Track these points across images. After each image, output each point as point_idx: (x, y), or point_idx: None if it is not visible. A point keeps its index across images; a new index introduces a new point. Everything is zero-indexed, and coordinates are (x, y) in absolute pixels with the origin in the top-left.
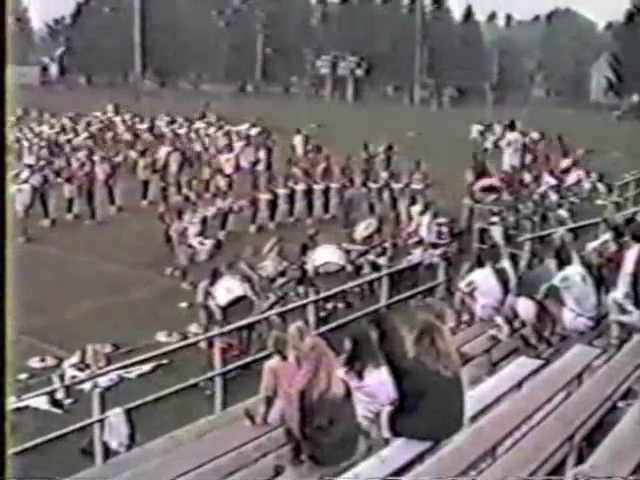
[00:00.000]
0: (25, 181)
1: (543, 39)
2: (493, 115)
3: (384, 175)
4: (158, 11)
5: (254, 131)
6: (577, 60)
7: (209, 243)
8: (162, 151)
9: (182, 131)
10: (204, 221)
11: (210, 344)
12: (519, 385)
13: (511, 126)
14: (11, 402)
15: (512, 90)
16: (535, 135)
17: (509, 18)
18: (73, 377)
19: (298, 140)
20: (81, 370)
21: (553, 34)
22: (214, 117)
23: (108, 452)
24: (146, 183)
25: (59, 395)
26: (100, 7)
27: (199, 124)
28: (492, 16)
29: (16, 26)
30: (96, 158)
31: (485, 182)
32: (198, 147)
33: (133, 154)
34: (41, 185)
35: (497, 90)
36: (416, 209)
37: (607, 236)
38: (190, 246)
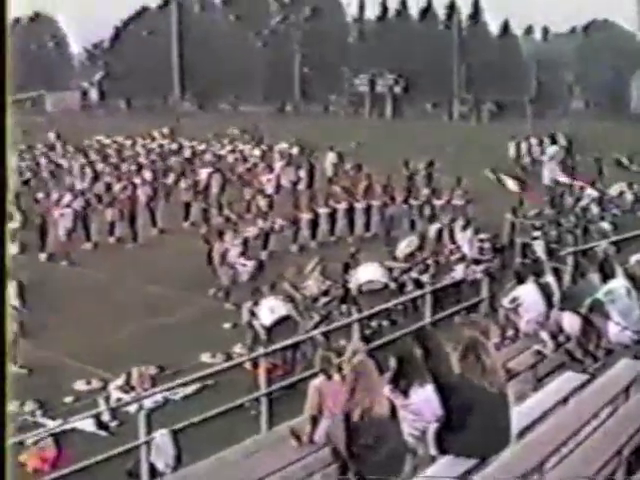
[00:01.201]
0: (67, 205)
1: (581, 51)
2: (533, 129)
3: (425, 192)
4: (195, 33)
5: (295, 150)
6: (616, 71)
7: (251, 264)
8: (203, 173)
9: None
10: (246, 242)
11: (255, 364)
12: (565, 400)
13: (552, 139)
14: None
15: (551, 103)
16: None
17: (546, 31)
18: (118, 399)
19: (331, 157)
20: (126, 392)
21: (591, 45)
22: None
23: (154, 473)
24: (187, 205)
25: (105, 417)
26: (138, 31)
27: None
28: (529, 29)
29: (56, 52)
30: (137, 181)
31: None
32: (241, 168)
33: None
34: (83, 209)
35: (536, 103)
36: (458, 225)
37: None
38: (232, 267)
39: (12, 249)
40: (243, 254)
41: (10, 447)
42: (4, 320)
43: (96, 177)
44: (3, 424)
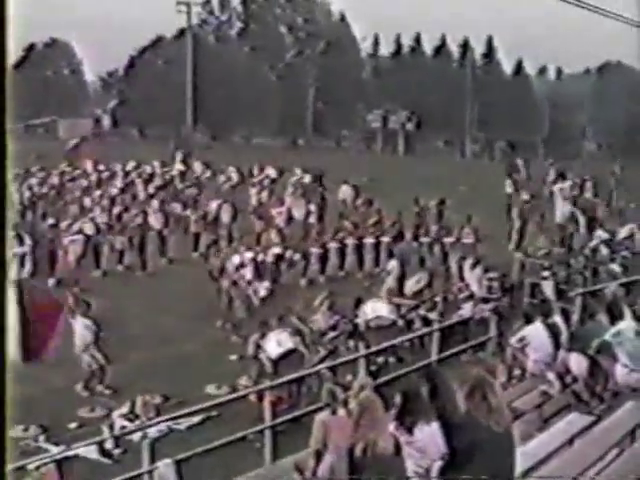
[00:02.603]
0: (78, 232)
1: (594, 92)
2: (544, 169)
3: (434, 229)
4: (210, 64)
5: (307, 178)
6: (629, 112)
7: (259, 296)
8: (213, 204)
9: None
10: (257, 265)
11: (260, 397)
12: (571, 441)
13: (562, 176)
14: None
15: (563, 144)
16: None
17: (560, 71)
18: (123, 427)
19: (344, 190)
20: (131, 421)
21: (604, 87)
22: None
23: None
24: (197, 235)
25: (109, 445)
26: (153, 60)
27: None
28: (543, 69)
29: (71, 78)
30: (150, 210)
31: None
32: (254, 200)
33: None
34: (93, 236)
35: (548, 144)
36: (467, 264)
37: None
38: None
39: (22, 273)
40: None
41: (10, 472)
42: (4, 342)
43: (110, 204)
44: (3, 449)
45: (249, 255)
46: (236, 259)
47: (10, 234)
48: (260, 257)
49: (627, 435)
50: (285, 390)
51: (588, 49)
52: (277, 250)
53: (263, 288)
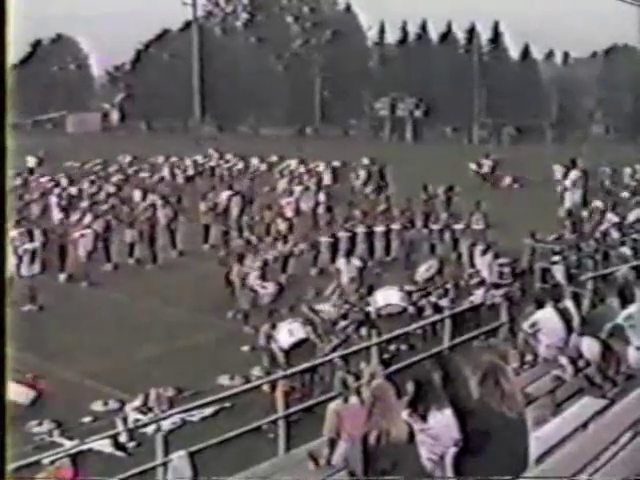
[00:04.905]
0: (88, 226)
1: (601, 76)
2: (553, 153)
3: (444, 216)
4: (217, 56)
5: (322, 167)
6: (636, 95)
7: (270, 287)
8: (223, 195)
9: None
10: (265, 264)
11: (273, 387)
12: (584, 426)
13: (573, 164)
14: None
15: (571, 128)
16: None
17: (566, 55)
18: (136, 420)
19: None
20: (144, 413)
21: (611, 70)
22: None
23: None
24: (207, 227)
25: (122, 438)
26: (159, 53)
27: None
28: (549, 54)
29: (77, 73)
30: (158, 203)
31: None
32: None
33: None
34: (103, 230)
35: (556, 128)
36: (477, 250)
37: None
38: (251, 290)
39: (33, 269)
40: (262, 277)
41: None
42: (4, 342)
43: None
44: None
45: (256, 263)
46: (246, 264)
47: (10, 234)
48: (267, 256)
49: None
50: (298, 380)
51: (595, 33)
52: (282, 247)
53: (269, 291)
